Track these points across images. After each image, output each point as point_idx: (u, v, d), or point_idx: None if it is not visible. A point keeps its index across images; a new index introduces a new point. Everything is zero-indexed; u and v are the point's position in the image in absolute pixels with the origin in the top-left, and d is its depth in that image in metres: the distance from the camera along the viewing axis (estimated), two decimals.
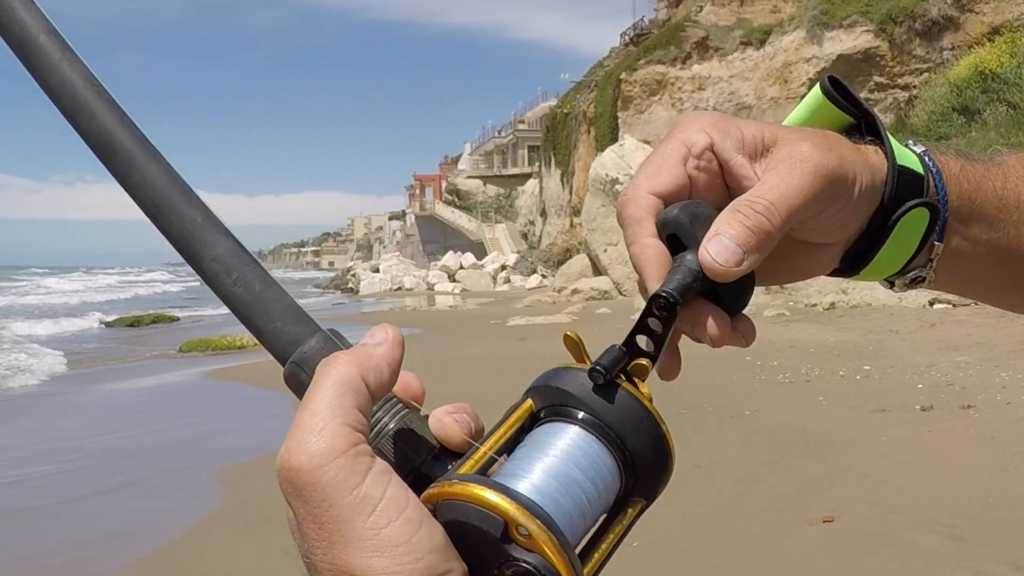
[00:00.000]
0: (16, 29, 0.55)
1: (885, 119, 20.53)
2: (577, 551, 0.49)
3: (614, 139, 26.74)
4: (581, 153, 30.80)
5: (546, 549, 0.45)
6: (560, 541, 0.45)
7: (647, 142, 25.71)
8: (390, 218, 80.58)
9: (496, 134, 58.97)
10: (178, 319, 24.49)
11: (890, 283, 0.68)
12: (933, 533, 4.09)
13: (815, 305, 13.82)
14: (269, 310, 0.53)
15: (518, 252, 39.98)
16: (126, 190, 0.55)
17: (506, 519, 0.45)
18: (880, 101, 22.16)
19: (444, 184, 59.36)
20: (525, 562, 0.45)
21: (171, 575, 4.52)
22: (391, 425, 0.51)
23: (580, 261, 28.60)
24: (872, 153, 0.62)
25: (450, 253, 43.75)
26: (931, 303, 11.83)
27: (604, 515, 0.52)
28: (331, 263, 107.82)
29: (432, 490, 0.47)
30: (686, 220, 0.55)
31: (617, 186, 25.29)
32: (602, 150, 27.00)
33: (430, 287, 38.13)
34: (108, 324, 23.37)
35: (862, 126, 0.65)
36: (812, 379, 8.04)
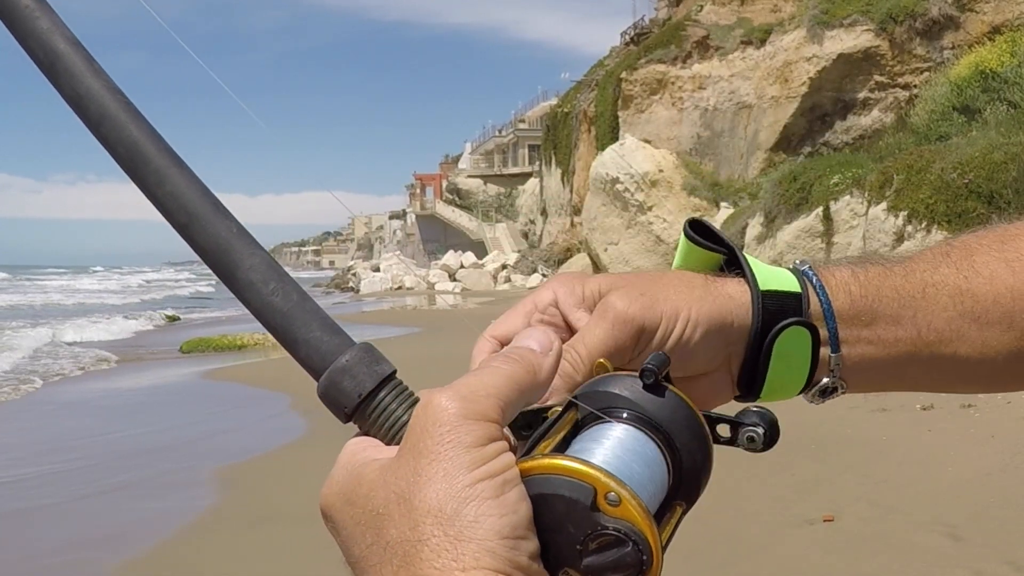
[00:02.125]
0: (39, 38, 0.55)
1: (886, 118, 20.24)
2: None
3: (614, 138, 26.75)
4: (581, 152, 30.80)
5: (636, 515, 0.45)
6: (647, 508, 0.46)
7: (647, 141, 25.72)
8: (390, 217, 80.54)
9: (496, 133, 58.93)
10: (178, 319, 24.53)
11: (808, 397, 0.69)
12: (933, 533, 4.09)
13: None
14: (308, 321, 0.52)
15: (518, 251, 39.99)
16: (155, 200, 0.54)
17: (595, 486, 0.45)
18: (880, 100, 22.14)
19: (444, 183, 59.32)
20: (616, 529, 0.45)
21: (169, 575, 4.52)
22: None
23: (580, 260, 28.63)
24: (733, 284, 0.64)
25: (450, 252, 43.75)
26: None
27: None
28: (332, 262, 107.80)
29: (519, 467, 0.47)
30: None
31: (618, 185, 25.31)
32: (603, 149, 27.01)
33: (430, 286, 38.14)
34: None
35: (727, 262, 0.67)
36: None
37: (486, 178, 55.45)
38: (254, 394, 9.72)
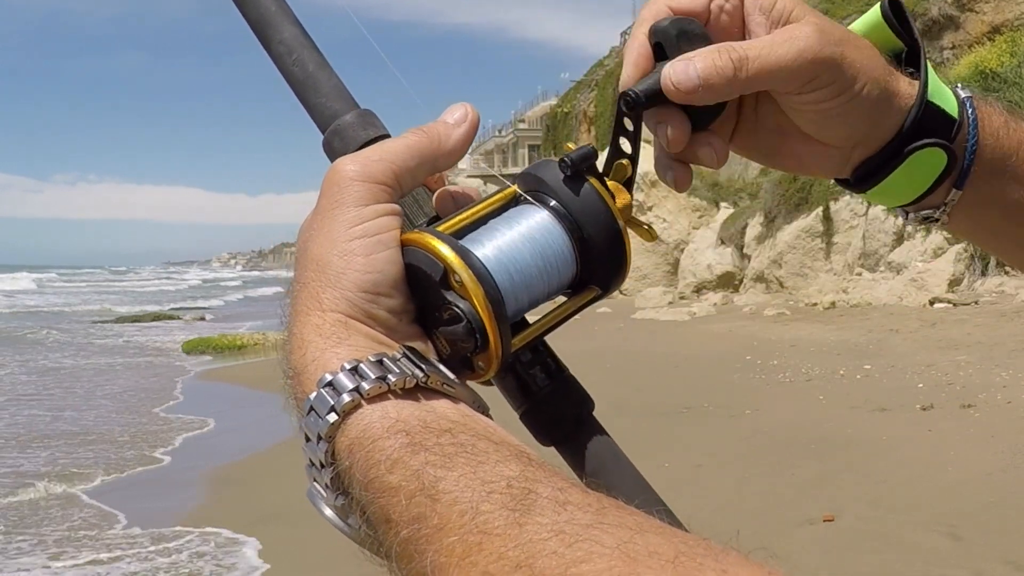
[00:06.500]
0: None
1: None
2: (530, 315, 0.57)
3: None
4: None
5: (474, 298, 0.51)
6: (489, 294, 0.52)
7: (647, 141, 25.65)
8: None
9: (496, 133, 58.95)
10: (177, 318, 24.51)
11: (904, 212, 0.69)
12: (933, 533, 4.08)
13: (815, 304, 13.81)
14: (318, 87, 0.62)
15: None
16: None
17: (445, 265, 0.52)
18: None
19: (444, 183, 59.31)
20: (456, 306, 0.51)
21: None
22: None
23: None
24: (905, 82, 0.63)
25: None
26: (931, 302, 11.82)
27: (561, 294, 0.59)
28: None
29: (402, 237, 0.54)
30: (673, 32, 0.60)
31: None
32: (603, 149, 27.00)
33: None
34: None
35: (905, 56, 0.66)
36: (812, 378, 8.04)
37: (486, 178, 55.47)
38: (251, 395, 9.72)
